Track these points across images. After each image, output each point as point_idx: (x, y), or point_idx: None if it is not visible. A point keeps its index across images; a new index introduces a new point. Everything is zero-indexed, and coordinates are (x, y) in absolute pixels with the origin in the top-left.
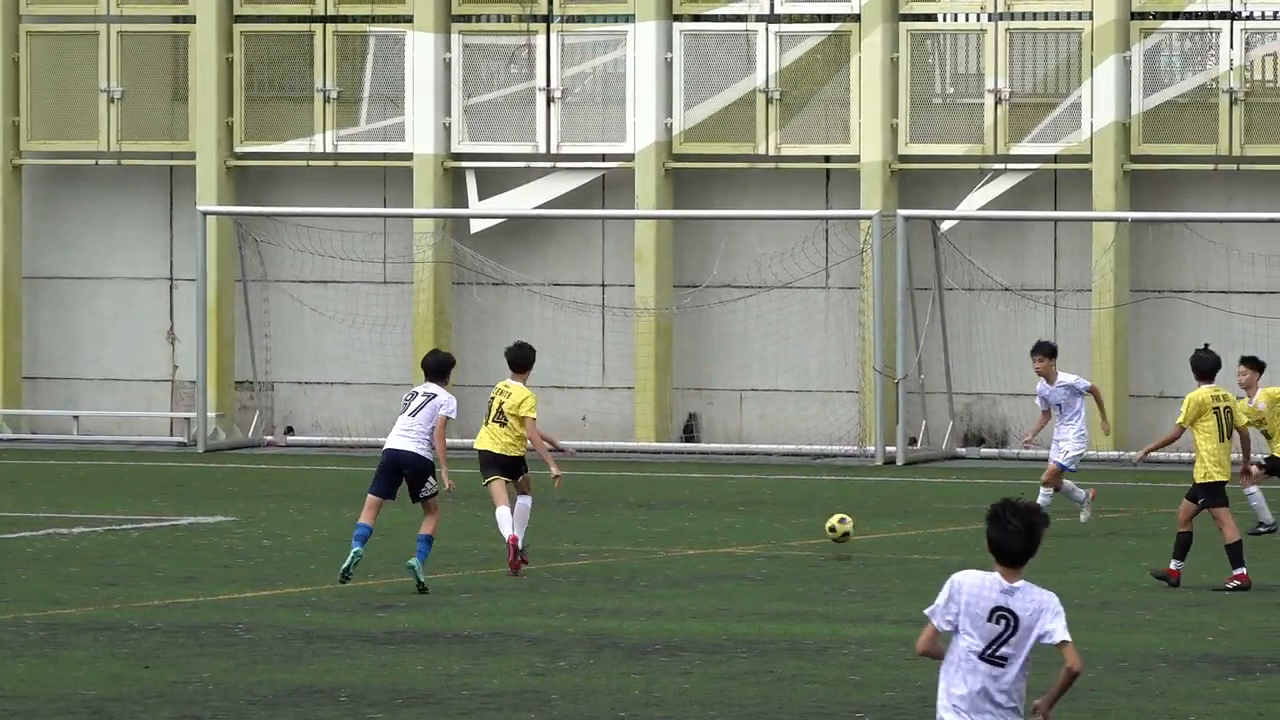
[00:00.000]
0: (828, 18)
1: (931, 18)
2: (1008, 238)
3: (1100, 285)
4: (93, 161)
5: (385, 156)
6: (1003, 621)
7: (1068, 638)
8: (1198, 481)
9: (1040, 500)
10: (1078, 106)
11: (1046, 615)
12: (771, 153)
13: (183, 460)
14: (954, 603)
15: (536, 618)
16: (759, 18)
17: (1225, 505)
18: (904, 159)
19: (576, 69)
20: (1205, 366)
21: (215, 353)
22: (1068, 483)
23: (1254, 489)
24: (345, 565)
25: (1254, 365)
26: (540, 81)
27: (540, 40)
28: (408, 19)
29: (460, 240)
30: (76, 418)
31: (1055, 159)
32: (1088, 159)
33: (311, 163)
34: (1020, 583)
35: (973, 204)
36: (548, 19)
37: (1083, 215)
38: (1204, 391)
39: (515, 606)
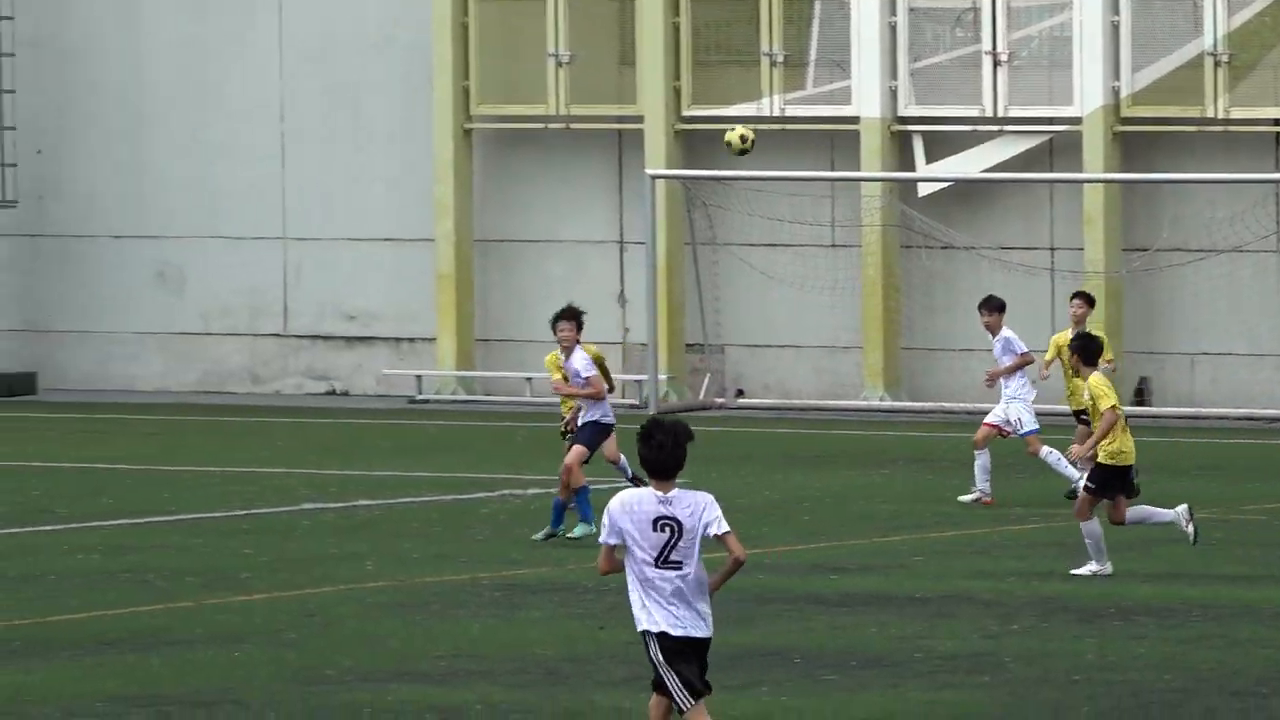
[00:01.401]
0: None
1: None
2: None
3: None
4: (542, 125)
5: (832, 120)
6: (667, 529)
7: (728, 528)
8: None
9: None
10: None
11: (707, 511)
12: (1220, 116)
13: (634, 422)
14: (614, 523)
15: (988, 581)
16: None
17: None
18: None
19: (1022, 32)
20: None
21: (666, 316)
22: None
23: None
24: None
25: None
26: (986, 45)
27: (985, 3)
28: None
29: (908, 204)
30: (529, 380)
31: None
32: None
33: (759, 126)
34: (674, 491)
35: None
36: None
37: None
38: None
39: (967, 569)
